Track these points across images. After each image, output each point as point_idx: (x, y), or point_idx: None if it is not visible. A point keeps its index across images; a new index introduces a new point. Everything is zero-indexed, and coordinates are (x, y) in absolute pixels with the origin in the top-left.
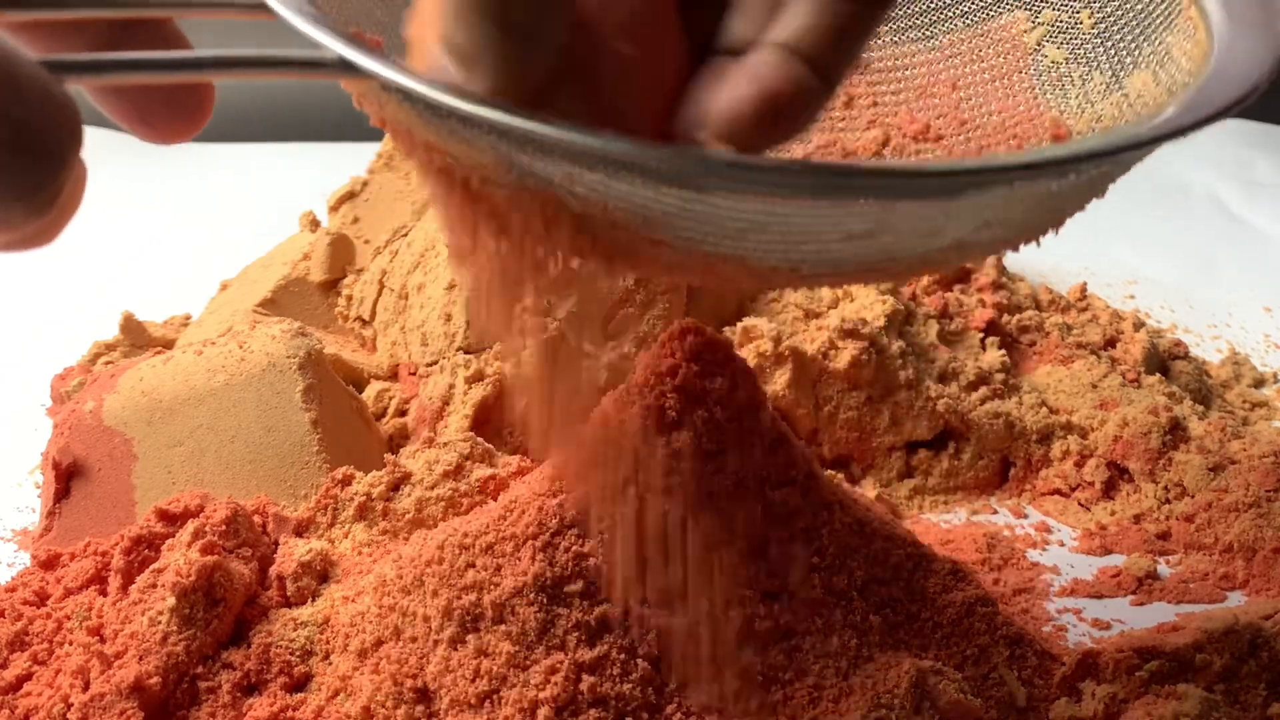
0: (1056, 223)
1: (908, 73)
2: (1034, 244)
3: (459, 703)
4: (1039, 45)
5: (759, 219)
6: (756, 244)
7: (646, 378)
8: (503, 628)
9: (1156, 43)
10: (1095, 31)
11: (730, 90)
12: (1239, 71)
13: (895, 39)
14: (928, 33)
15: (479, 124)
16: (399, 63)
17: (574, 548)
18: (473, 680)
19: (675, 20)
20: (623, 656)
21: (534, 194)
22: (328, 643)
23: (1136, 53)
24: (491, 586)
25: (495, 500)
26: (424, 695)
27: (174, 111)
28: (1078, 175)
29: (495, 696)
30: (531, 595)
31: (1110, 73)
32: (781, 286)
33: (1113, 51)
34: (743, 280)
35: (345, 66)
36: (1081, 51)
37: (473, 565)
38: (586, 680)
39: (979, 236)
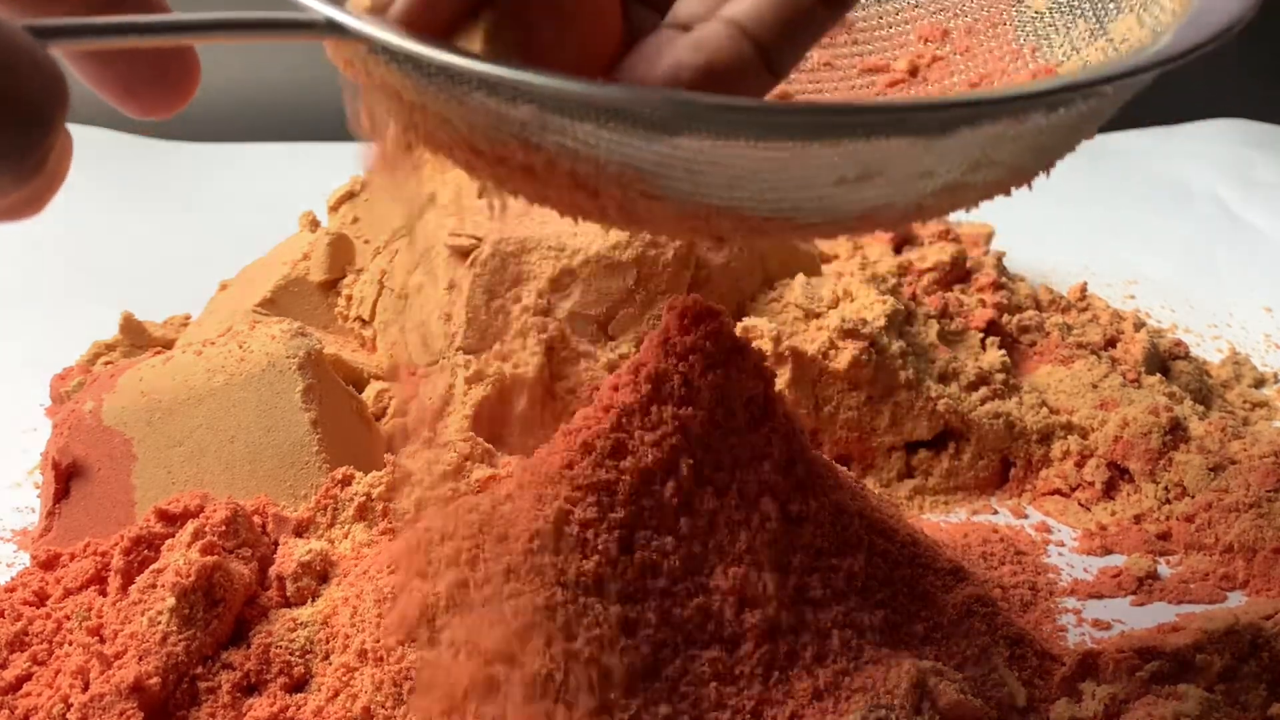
0: (1047, 164)
1: (892, 30)
2: (1026, 187)
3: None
4: None
5: (750, 166)
6: (749, 194)
7: (649, 353)
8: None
9: None
10: None
11: (674, 55)
12: (1223, 6)
13: None
14: None
15: (467, 78)
16: (386, 23)
17: (576, 533)
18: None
19: None
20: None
21: (528, 152)
22: (328, 643)
23: None
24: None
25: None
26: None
27: (159, 83)
28: (1067, 109)
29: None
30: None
31: (1094, 19)
32: (778, 237)
33: None
34: (739, 234)
35: (333, 28)
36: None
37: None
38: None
39: (971, 178)
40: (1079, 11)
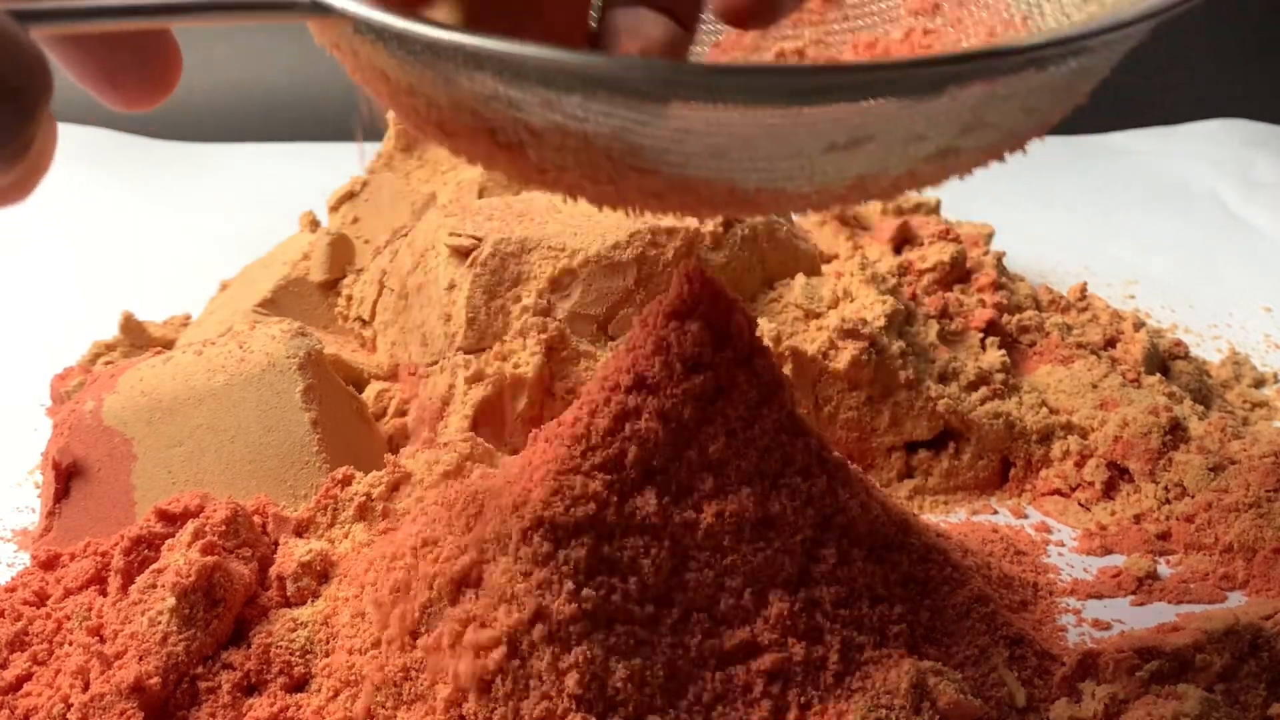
0: (1040, 126)
1: (883, 5)
2: (1020, 151)
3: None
4: None
5: (739, 132)
6: (738, 164)
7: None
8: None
9: None
10: None
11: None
12: None
13: None
14: None
15: (452, 53)
16: (370, 2)
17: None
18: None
19: None
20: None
21: (515, 127)
22: (328, 643)
23: None
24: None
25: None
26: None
27: (142, 72)
28: (1057, 65)
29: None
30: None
31: None
32: (769, 208)
33: None
34: (730, 207)
35: (316, 7)
36: None
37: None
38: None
39: (963, 142)
40: None
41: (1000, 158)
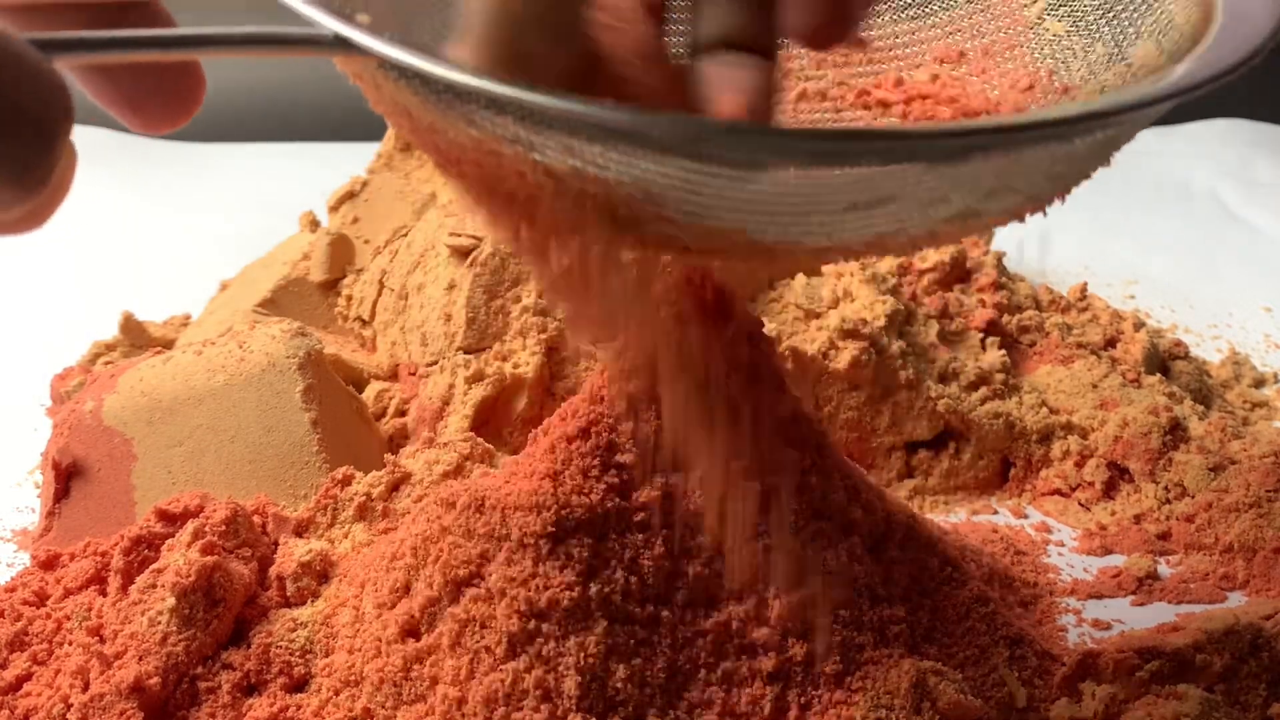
0: (1063, 191)
1: (908, 51)
2: (1040, 213)
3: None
4: (1040, 18)
5: (759, 189)
6: (758, 217)
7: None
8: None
9: (1159, 11)
10: (1096, 2)
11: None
12: (1243, 33)
13: (894, 17)
14: (926, 9)
15: (475, 97)
16: (393, 39)
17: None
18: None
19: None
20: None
21: (538, 172)
22: (328, 643)
23: (1139, 22)
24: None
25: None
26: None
27: (165, 98)
28: (1084, 138)
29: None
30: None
31: (1113, 43)
32: (785, 262)
33: (1115, 22)
34: (748, 256)
35: (341, 44)
36: (1083, 23)
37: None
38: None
39: (986, 205)
40: (1098, 35)
41: (1021, 219)
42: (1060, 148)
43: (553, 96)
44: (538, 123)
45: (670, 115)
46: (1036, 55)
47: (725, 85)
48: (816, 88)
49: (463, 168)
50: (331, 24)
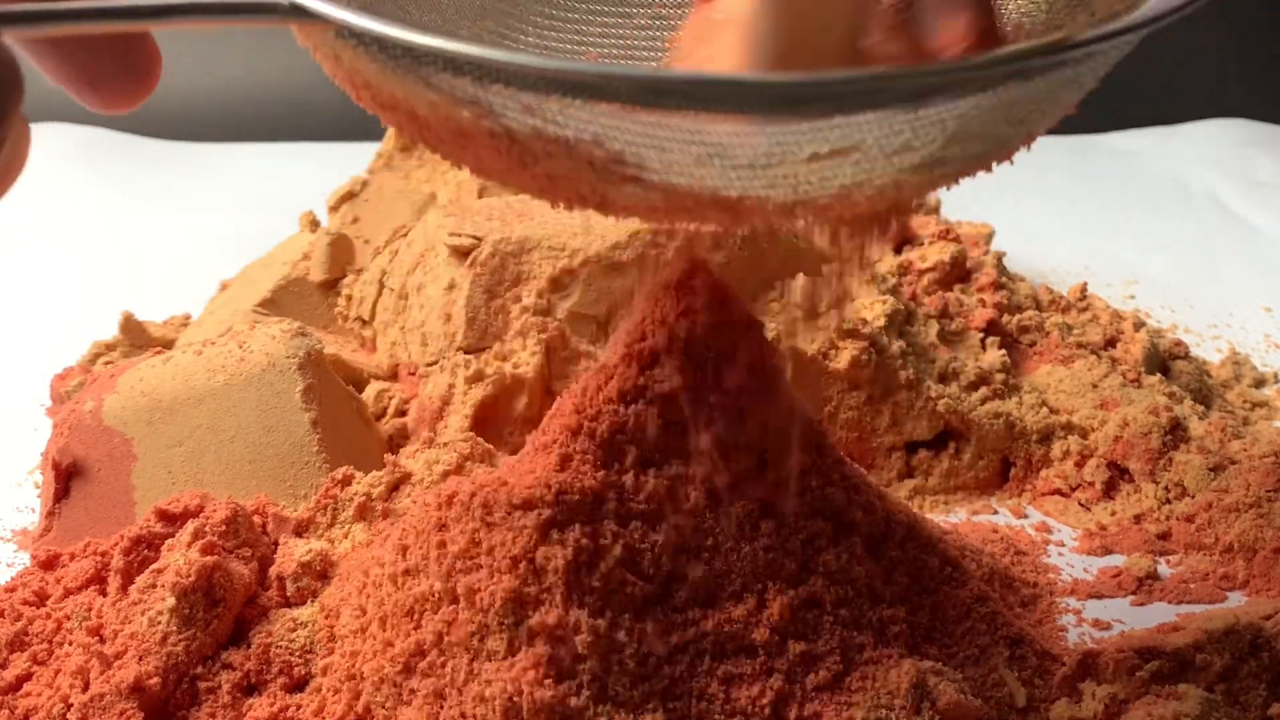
0: (1027, 136)
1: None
2: (1007, 162)
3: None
4: None
5: (721, 141)
6: (722, 171)
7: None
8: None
9: None
10: None
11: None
12: None
13: None
14: None
15: (433, 59)
16: (348, 5)
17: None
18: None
19: None
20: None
21: (495, 133)
22: (328, 643)
23: None
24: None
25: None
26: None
27: (121, 74)
28: (1043, 77)
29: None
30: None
31: None
32: (753, 220)
33: None
34: (715, 216)
35: (296, 11)
36: None
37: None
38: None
39: (949, 152)
40: None
41: (988, 168)
42: (1020, 89)
43: (507, 53)
44: (494, 80)
45: (625, 67)
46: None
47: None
48: None
49: (429, 140)
50: None
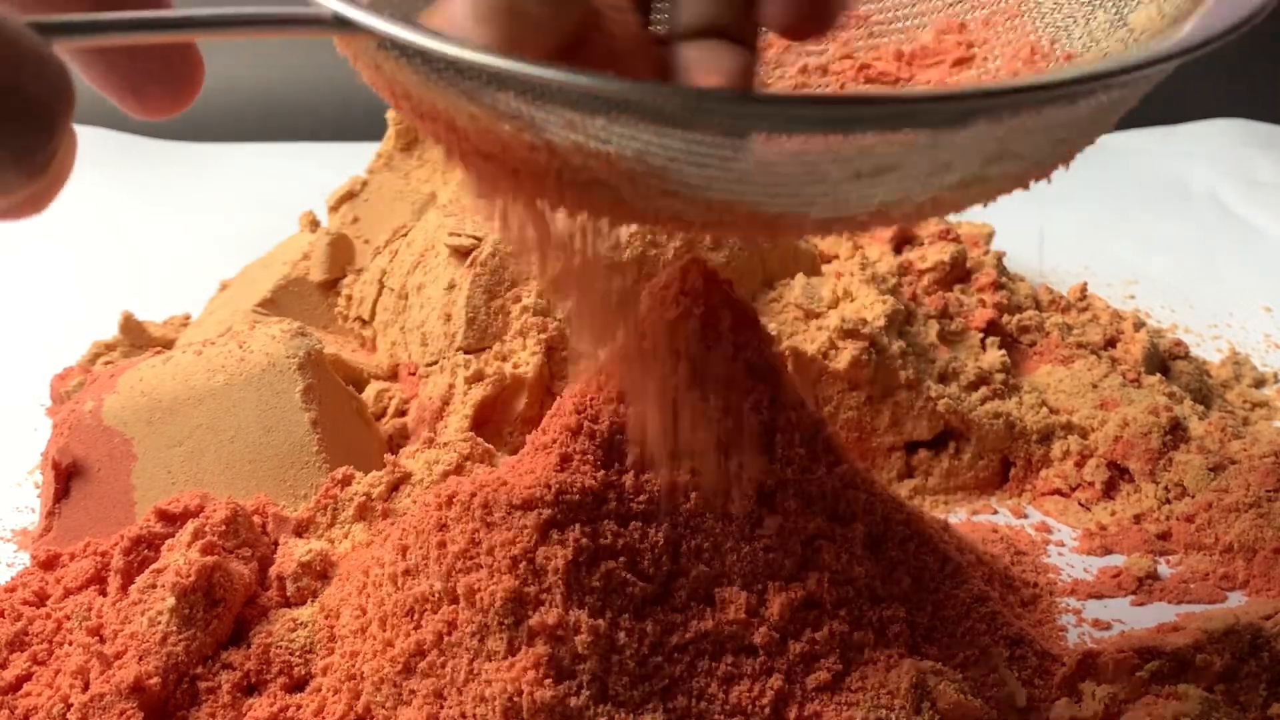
0: (1066, 156)
1: (907, 23)
2: (1045, 180)
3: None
4: None
5: (764, 159)
6: (763, 188)
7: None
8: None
9: None
10: None
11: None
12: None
13: None
14: None
15: (477, 73)
16: (393, 17)
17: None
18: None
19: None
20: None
21: (540, 149)
22: (328, 643)
23: None
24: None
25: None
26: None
27: (165, 82)
28: (1087, 101)
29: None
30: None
31: (1114, 10)
32: (791, 234)
33: None
34: (753, 229)
35: (340, 23)
36: None
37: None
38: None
39: (989, 171)
40: (1098, 3)
41: (1025, 186)
42: (1063, 111)
43: (555, 69)
44: (539, 97)
45: (674, 86)
46: (1037, 24)
47: (706, 68)
48: (818, 62)
49: (466, 151)
50: (331, 3)
